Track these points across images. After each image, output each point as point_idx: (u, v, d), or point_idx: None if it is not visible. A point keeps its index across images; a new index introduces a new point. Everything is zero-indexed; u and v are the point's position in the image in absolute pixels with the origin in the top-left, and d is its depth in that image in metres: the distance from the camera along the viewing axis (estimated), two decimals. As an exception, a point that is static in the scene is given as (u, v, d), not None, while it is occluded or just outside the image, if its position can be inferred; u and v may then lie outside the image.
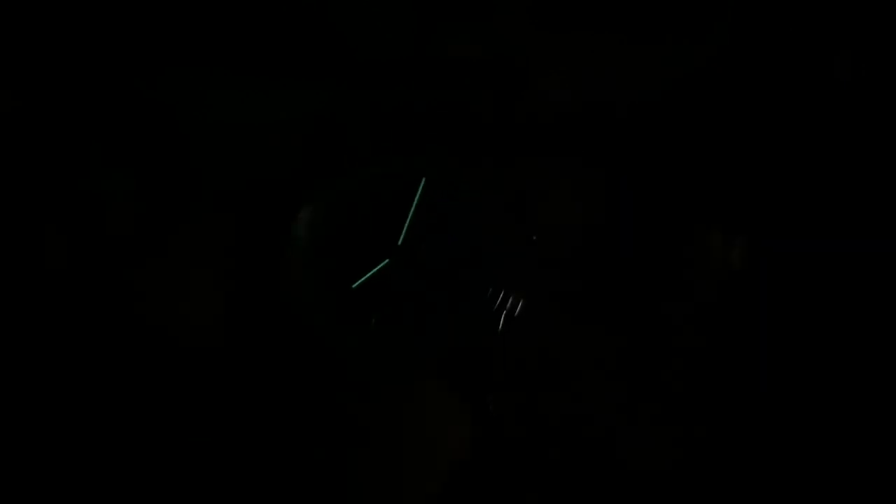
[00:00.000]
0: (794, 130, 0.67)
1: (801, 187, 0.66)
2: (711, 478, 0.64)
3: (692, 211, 0.67)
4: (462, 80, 0.67)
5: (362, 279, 0.61)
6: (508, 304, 0.62)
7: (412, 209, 0.60)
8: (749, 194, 0.67)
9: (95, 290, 0.65)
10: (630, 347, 0.65)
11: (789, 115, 0.67)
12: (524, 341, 0.65)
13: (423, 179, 0.61)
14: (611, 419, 0.65)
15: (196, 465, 0.64)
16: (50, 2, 0.67)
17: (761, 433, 0.65)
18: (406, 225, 0.61)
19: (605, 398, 0.65)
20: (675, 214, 0.66)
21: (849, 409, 0.65)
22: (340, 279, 0.61)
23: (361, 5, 0.68)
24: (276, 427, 0.64)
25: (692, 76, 0.67)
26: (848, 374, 0.65)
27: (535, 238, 0.60)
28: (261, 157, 0.67)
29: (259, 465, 0.64)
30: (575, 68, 0.67)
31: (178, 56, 0.68)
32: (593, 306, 0.66)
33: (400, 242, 0.61)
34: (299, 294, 0.62)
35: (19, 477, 0.64)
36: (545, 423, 0.65)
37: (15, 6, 0.67)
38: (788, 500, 0.64)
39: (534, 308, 0.64)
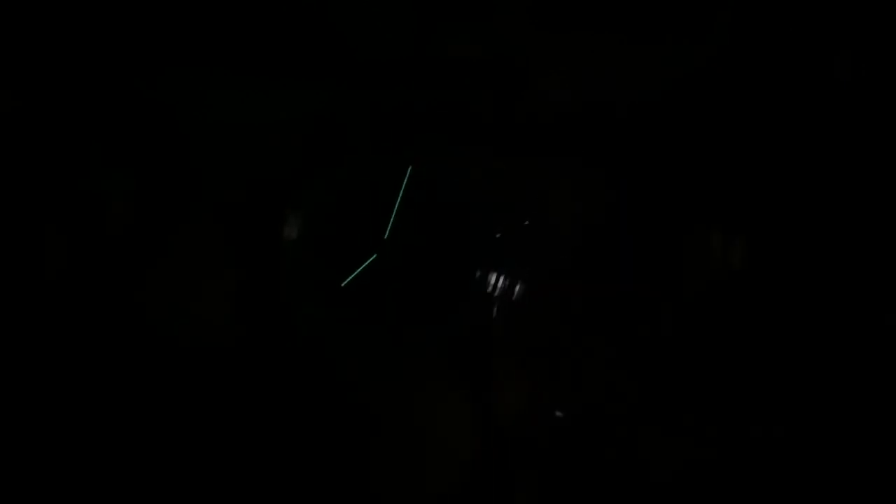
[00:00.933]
0: (794, 130, 0.67)
1: (801, 187, 0.66)
2: (710, 477, 0.65)
3: (692, 211, 0.67)
4: (462, 80, 0.67)
5: (351, 277, 0.60)
6: (503, 288, 0.61)
7: (397, 201, 0.59)
8: (749, 194, 0.67)
9: (96, 290, 0.65)
10: (629, 347, 0.66)
11: (789, 115, 0.67)
12: (525, 339, 0.65)
13: (409, 168, 0.59)
14: (611, 418, 0.65)
15: (197, 466, 0.64)
16: (50, 2, 0.67)
17: (761, 433, 0.65)
18: (392, 218, 0.59)
19: (605, 397, 0.65)
20: (675, 214, 0.67)
21: (849, 409, 0.65)
22: (332, 277, 0.60)
23: (361, 5, 0.68)
24: (277, 428, 0.64)
25: (692, 76, 0.67)
26: (847, 374, 0.65)
27: (527, 223, 0.58)
28: (261, 157, 0.67)
29: (261, 465, 0.64)
30: (575, 68, 0.67)
31: (178, 56, 0.68)
32: (594, 307, 0.66)
33: (386, 236, 0.60)
34: (295, 294, 0.62)
35: (18, 479, 0.64)
36: (547, 422, 0.65)
37: (15, 6, 0.67)
38: (790, 501, 0.64)
39: (534, 306, 0.65)
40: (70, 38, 0.68)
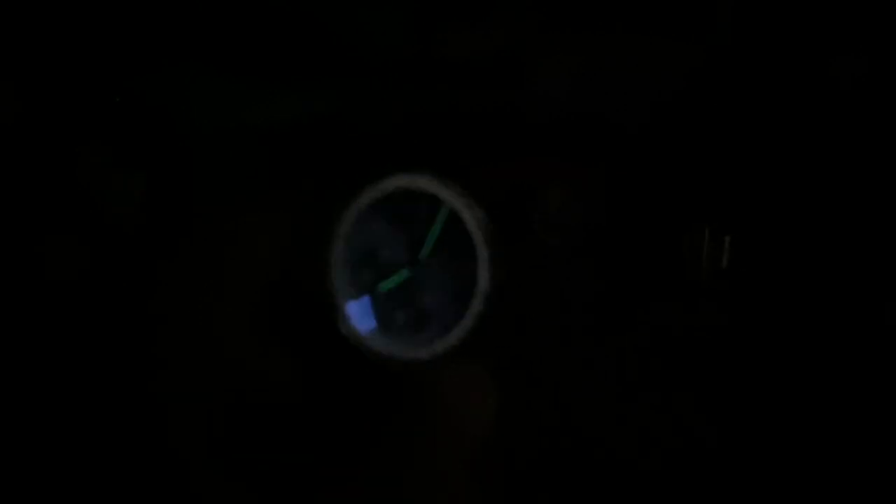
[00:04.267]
0: (794, 131, 0.67)
1: (802, 187, 0.66)
2: (706, 476, 0.65)
3: (692, 210, 0.67)
4: (462, 80, 0.67)
5: (388, 284, 0.66)
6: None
7: (435, 232, 0.65)
8: (749, 193, 0.67)
9: (97, 292, 0.66)
10: (627, 345, 0.66)
11: (788, 116, 0.67)
12: (524, 338, 0.65)
13: (445, 209, 0.66)
14: (609, 417, 0.65)
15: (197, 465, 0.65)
16: (52, 3, 0.67)
17: (757, 431, 0.65)
18: (428, 243, 0.66)
19: (603, 396, 0.65)
20: (675, 213, 0.67)
21: (846, 408, 0.65)
22: (371, 282, 0.66)
23: (361, 5, 0.68)
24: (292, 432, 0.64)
25: (692, 76, 0.67)
26: (843, 372, 0.65)
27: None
28: (260, 157, 0.67)
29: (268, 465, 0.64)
30: (575, 68, 0.67)
31: (179, 57, 0.68)
32: (593, 305, 0.66)
33: (421, 256, 0.66)
34: (335, 290, 0.66)
35: (17, 481, 0.64)
36: (543, 420, 0.65)
37: (16, 7, 0.67)
38: (787, 500, 0.65)
39: (534, 306, 0.65)
40: (72, 38, 0.68)
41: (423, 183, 0.65)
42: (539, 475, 0.65)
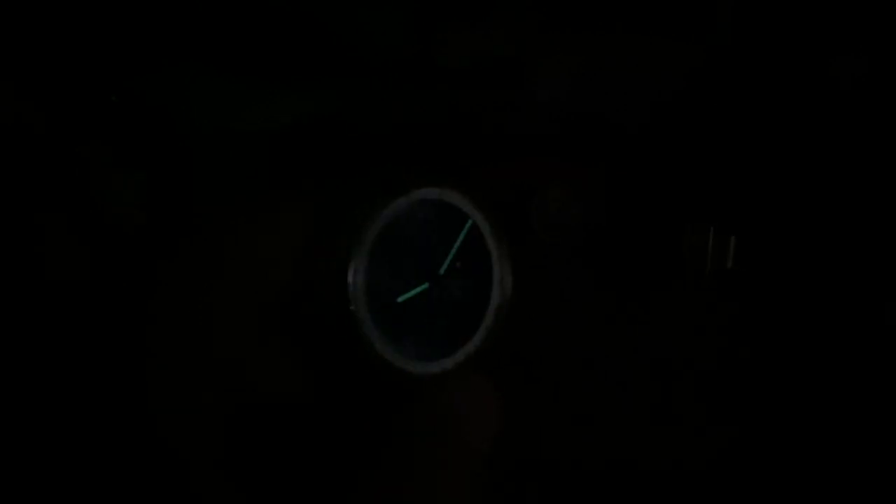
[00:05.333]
0: (793, 131, 0.67)
1: (802, 186, 0.66)
2: (708, 476, 0.65)
3: (691, 210, 0.67)
4: (462, 81, 0.67)
5: (407, 295, 0.66)
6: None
7: (455, 246, 0.66)
8: (749, 193, 0.67)
9: (97, 292, 0.66)
10: (628, 345, 0.66)
11: (789, 116, 0.67)
12: (525, 339, 0.65)
13: (469, 221, 0.66)
14: (608, 417, 0.65)
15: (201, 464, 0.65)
16: (52, 3, 0.68)
17: (758, 431, 0.65)
18: (449, 258, 0.66)
19: (603, 396, 0.66)
20: (674, 213, 0.67)
21: (847, 408, 0.65)
22: (389, 292, 0.67)
23: (361, 5, 0.68)
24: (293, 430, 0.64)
25: (692, 76, 0.67)
26: (844, 371, 0.65)
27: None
28: (260, 157, 0.67)
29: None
30: (575, 68, 0.67)
31: (179, 57, 0.68)
32: (593, 305, 0.66)
33: (441, 272, 0.66)
34: (350, 300, 0.66)
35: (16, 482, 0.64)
36: (543, 420, 0.65)
37: (16, 7, 0.67)
38: (789, 499, 0.65)
39: (535, 307, 0.65)
40: (73, 39, 0.68)
41: (448, 196, 0.65)
42: (540, 477, 0.65)
